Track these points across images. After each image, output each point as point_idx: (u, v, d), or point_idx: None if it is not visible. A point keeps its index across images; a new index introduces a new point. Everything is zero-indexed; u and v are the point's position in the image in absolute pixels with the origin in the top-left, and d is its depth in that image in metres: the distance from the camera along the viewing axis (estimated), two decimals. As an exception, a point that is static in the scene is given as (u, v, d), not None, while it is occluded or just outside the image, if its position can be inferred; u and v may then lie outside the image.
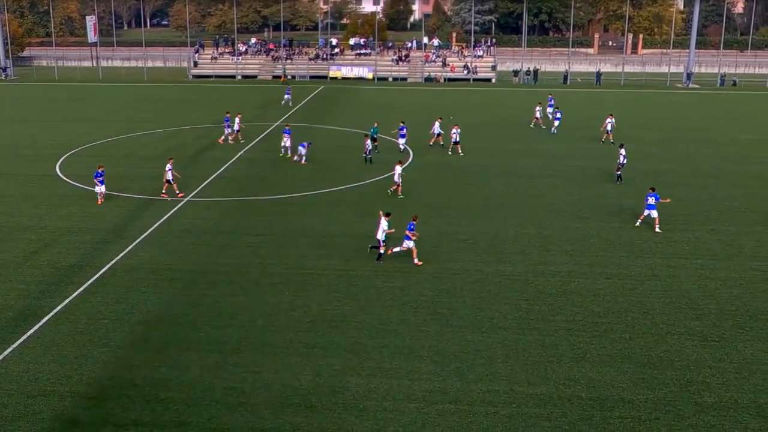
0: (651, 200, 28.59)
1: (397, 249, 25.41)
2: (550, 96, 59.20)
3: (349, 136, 48.59)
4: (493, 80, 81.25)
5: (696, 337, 20.39)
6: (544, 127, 52.38)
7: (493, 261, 25.95)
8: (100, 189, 32.43)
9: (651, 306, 22.42)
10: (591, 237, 28.58)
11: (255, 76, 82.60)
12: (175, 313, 21.59)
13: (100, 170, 32.52)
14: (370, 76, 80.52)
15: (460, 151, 42.54)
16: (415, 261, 25.34)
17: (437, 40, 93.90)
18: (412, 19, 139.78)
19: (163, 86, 76.47)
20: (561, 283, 24.05)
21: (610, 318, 21.54)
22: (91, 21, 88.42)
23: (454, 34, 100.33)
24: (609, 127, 46.66)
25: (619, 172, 36.90)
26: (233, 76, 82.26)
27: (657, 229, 28.66)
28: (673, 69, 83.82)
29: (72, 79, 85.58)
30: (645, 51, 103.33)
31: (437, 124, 45.26)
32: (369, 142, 40.53)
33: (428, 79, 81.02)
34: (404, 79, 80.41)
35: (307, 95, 67.93)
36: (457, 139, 42.48)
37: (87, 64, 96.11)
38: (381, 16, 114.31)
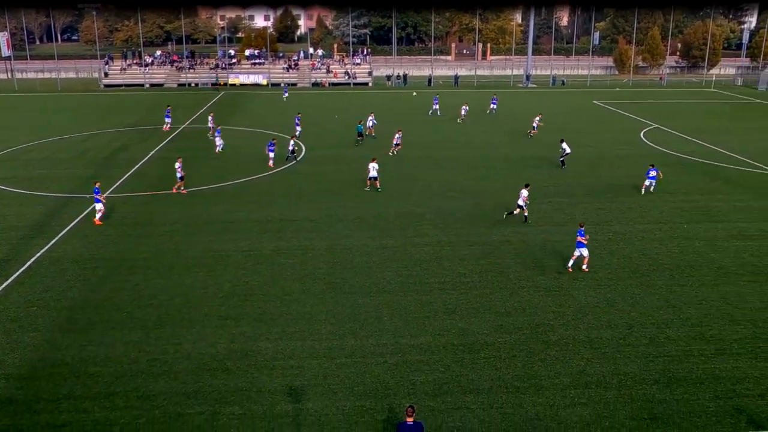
0: (652, 173, 32.13)
1: (571, 262, 22.96)
2: (494, 97, 60.33)
3: (250, 135, 47.54)
4: (370, 84, 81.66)
5: (542, 289, 21.39)
6: (459, 122, 52.54)
7: (377, 236, 26.21)
8: (100, 207, 27.38)
9: (506, 266, 23.27)
10: (456, 212, 29.26)
11: (162, 84, 79.23)
12: (99, 298, 20.62)
13: (96, 186, 27.91)
14: (264, 82, 79.09)
15: (395, 152, 40.76)
16: (584, 267, 22.89)
17: (321, 50, 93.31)
18: (298, 32, 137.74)
19: (77, 95, 72.02)
20: (433, 251, 24.57)
21: (474, 278, 22.24)
22: (3, 36, 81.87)
23: (335, 45, 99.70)
24: (535, 124, 47.16)
25: (562, 159, 37.60)
26: (142, 85, 78.58)
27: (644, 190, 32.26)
28: (516, 72, 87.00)
29: (-13, 90, 79.11)
30: (492, 57, 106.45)
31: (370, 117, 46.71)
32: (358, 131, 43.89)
33: (315, 84, 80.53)
34: (294, 84, 79.42)
35: (210, 100, 65.90)
36: (398, 143, 40.79)
37: (2, 76, 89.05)
38: (272, 30, 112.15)
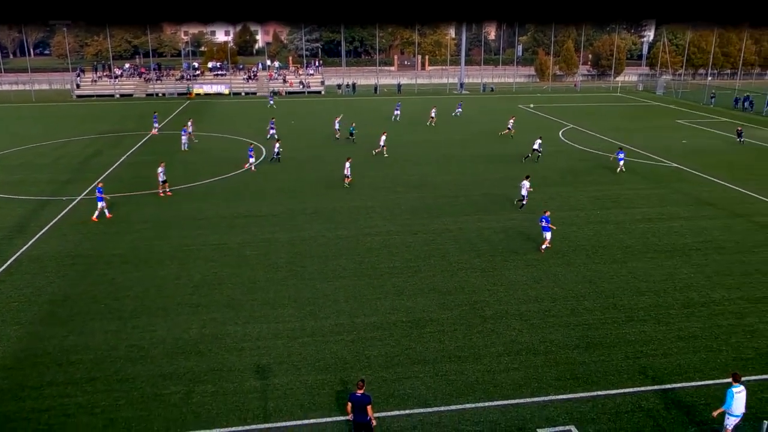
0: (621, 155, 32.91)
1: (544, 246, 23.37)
2: (459, 102, 60.95)
3: (215, 139, 46.55)
4: (323, 92, 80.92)
5: (478, 270, 21.73)
6: (429, 124, 52.22)
7: (333, 228, 26.12)
8: (101, 204, 26.76)
9: (446, 251, 23.53)
10: (402, 204, 29.41)
11: (131, 95, 76.57)
12: (78, 292, 19.90)
13: (99, 186, 27.48)
14: (226, 92, 77.38)
15: (385, 153, 40.15)
16: (542, 248, 23.36)
17: (278, 62, 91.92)
18: (257, 46, 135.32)
19: (51, 105, 68.99)
20: (382, 240, 24.65)
21: (419, 262, 22.42)
22: (-23, 51, 77.83)
23: (290, 58, 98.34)
24: (510, 125, 47.31)
25: (531, 154, 38.66)
26: (112, 95, 75.79)
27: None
28: (451, 80, 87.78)
29: (-36, 101, 74.94)
30: (430, 67, 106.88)
31: (337, 121, 46.64)
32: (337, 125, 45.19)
33: (274, 93, 79.34)
34: (254, 93, 78.05)
35: (176, 108, 64.17)
36: (383, 144, 39.98)
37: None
38: (232, 44, 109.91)
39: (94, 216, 26.73)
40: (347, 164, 32.46)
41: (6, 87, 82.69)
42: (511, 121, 47.91)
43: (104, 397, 14.40)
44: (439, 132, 49.70)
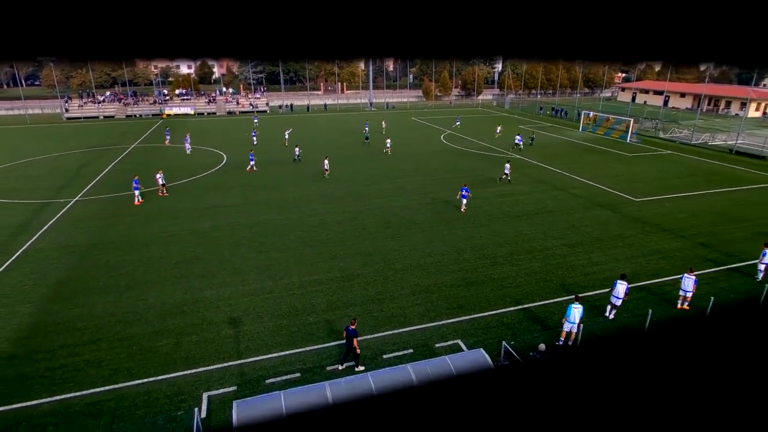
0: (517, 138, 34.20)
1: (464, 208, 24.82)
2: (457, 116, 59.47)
3: (183, 149, 43.71)
4: (268, 111, 77.98)
5: (389, 236, 21.92)
6: (384, 132, 50.79)
7: (282, 212, 25.46)
8: (137, 192, 27.00)
9: (367, 225, 23.55)
10: (334, 192, 29.04)
11: (113, 116, 70.15)
12: (79, 274, 18.28)
13: (135, 178, 27.55)
14: (192, 112, 72.80)
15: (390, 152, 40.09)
16: (462, 209, 24.78)
17: (231, 89, 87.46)
18: (214, 76, 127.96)
19: (44, 126, 61.91)
20: (320, 219, 24.32)
21: (346, 234, 22.32)
22: (-27, 83, 68.14)
23: (241, 85, 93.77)
24: (498, 130, 47.22)
25: (517, 146, 41.13)
26: (97, 117, 69.07)
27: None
28: (363, 100, 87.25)
29: (-36, 125, 65.47)
30: (348, 91, 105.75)
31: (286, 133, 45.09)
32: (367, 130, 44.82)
33: (229, 113, 75.51)
34: (214, 113, 73.92)
35: (152, 126, 59.56)
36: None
37: (-25, 114, 74.09)
38: (194, 75, 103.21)
39: (136, 201, 26.71)
40: (326, 161, 32.72)
41: (3, 112, 73.36)
42: (499, 128, 49.92)
43: (108, 353, 13.43)
44: (376, 141, 49.37)
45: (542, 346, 12.04)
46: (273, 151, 42.09)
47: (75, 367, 12.81)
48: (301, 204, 26.94)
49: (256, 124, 57.36)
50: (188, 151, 41.54)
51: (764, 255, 17.33)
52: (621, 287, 14.70)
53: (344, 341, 13.15)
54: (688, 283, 15.32)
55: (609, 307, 15.14)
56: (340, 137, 50.18)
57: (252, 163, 34.98)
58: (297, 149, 38.22)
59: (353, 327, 12.63)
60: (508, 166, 30.88)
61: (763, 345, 1.33)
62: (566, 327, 13.60)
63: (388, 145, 41.28)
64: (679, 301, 15.63)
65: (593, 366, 1.18)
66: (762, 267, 17.40)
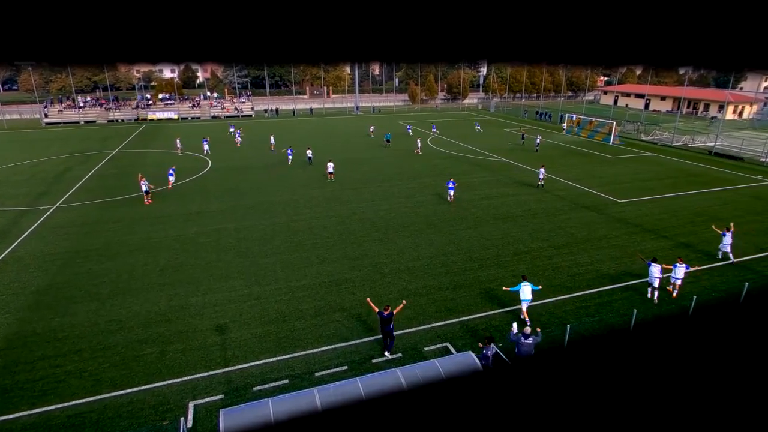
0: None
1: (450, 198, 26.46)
2: (408, 125, 58.44)
3: (169, 155, 43.15)
4: (253, 116, 77.51)
5: (377, 240, 21.90)
6: (373, 136, 50.62)
7: (269, 217, 25.30)
8: (172, 180, 30.82)
9: (354, 229, 23.47)
10: (319, 197, 28.91)
11: (94, 121, 68.97)
12: (60, 282, 17.87)
13: (173, 168, 31.60)
14: (176, 117, 71.96)
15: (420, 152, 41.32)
16: (450, 198, 26.82)
17: (216, 93, 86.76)
18: (198, 80, 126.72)
19: (22, 131, 60.54)
20: (306, 223, 24.21)
21: (335, 238, 22.25)
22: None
23: (226, 89, 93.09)
24: (478, 128, 48.54)
25: (522, 141, 43.49)
26: (78, 122, 67.81)
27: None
28: (349, 104, 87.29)
29: (-62, 130, 63.64)
30: (334, 95, 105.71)
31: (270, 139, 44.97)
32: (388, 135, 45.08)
33: (214, 117, 74.84)
34: (198, 118, 73.16)
35: (134, 131, 58.71)
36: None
37: (-50, 120, 72.11)
38: (177, 79, 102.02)
39: (170, 185, 29.97)
40: (330, 164, 32.95)
41: (-22, 117, 71.57)
42: (477, 126, 53.00)
43: (90, 363, 13.13)
44: (373, 144, 49.30)
45: (516, 327, 13.46)
46: (260, 157, 41.78)
47: (56, 379, 12.49)
48: (287, 209, 26.72)
49: (231, 133, 53.90)
50: (207, 152, 42.73)
51: (724, 236, 19.19)
52: (680, 269, 16.11)
53: (379, 334, 13.76)
54: (680, 270, 16.41)
55: (650, 290, 16.32)
56: (324, 141, 50.06)
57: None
58: (309, 151, 38.52)
59: (387, 312, 13.18)
60: (542, 171, 30.17)
61: (744, 342, 1.36)
62: (524, 306, 14.98)
63: (419, 144, 43.09)
64: (670, 287, 16.83)
65: (581, 366, 1.19)
66: (726, 249, 19.09)
